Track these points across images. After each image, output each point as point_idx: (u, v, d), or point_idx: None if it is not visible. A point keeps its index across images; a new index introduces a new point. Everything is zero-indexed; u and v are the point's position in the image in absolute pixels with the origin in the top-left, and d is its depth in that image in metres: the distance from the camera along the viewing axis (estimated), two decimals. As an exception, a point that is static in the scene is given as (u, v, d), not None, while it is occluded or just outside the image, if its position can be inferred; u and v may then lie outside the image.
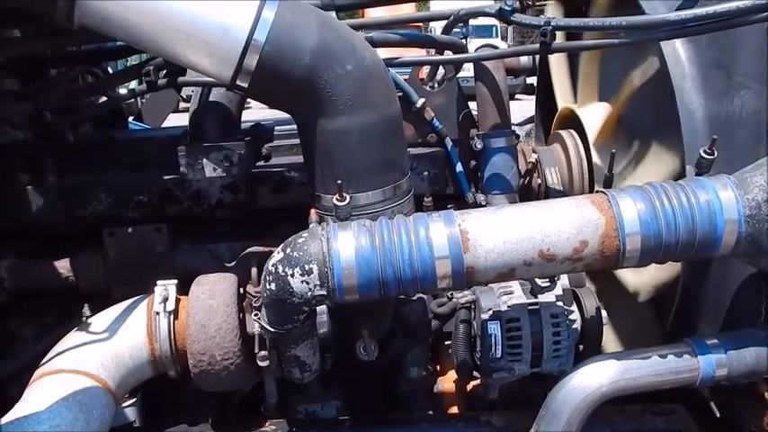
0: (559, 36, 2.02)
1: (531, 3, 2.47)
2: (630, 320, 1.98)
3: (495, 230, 1.35)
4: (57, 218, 1.85)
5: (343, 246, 1.34)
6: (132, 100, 3.75)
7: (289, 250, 1.36)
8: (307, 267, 1.33)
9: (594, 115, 2.13)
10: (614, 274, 1.97)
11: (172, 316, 1.58)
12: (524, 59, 2.44)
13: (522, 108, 4.58)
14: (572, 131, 2.22)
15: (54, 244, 1.87)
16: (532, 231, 1.35)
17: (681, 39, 1.58)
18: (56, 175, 1.86)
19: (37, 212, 1.84)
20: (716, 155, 1.42)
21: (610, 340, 1.99)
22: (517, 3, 1.72)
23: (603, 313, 1.66)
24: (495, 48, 2.08)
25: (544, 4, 2.64)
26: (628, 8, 1.72)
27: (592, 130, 2.12)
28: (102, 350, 1.53)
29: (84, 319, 1.62)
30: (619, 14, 1.60)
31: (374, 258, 1.33)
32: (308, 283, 1.34)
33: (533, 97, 2.79)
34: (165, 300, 1.59)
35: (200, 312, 1.57)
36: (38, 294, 1.87)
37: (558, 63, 2.45)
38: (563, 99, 2.43)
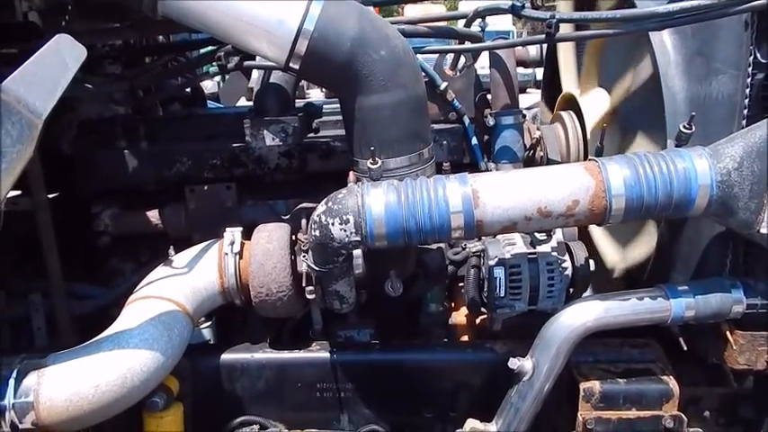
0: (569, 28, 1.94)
1: (540, 3, 2.38)
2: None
3: (502, 190, 1.32)
4: (147, 176, 1.86)
5: (375, 201, 1.32)
6: (213, 89, 3.76)
7: (330, 203, 1.35)
8: (345, 218, 1.32)
9: (594, 105, 2.04)
10: (597, 249, 1.91)
11: (237, 256, 1.59)
12: (533, 52, 2.36)
13: (534, 100, 4.42)
14: (571, 113, 2.14)
15: (146, 198, 1.89)
16: (533, 191, 1.31)
17: (668, 30, 1.49)
18: (147, 143, 1.87)
19: (132, 172, 1.85)
20: (693, 129, 1.35)
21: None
22: (528, 2, 1.65)
23: (591, 262, 1.61)
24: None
25: (553, 5, 2.53)
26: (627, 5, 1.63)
27: (590, 119, 2.03)
28: (182, 282, 1.55)
29: (170, 257, 1.64)
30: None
31: (400, 212, 1.31)
32: (345, 231, 1.32)
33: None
34: (233, 243, 1.60)
35: (260, 254, 1.57)
36: (134, 238, 1.89)
37: (565, 52, 2.34)
38: (568, 84, 2.33)
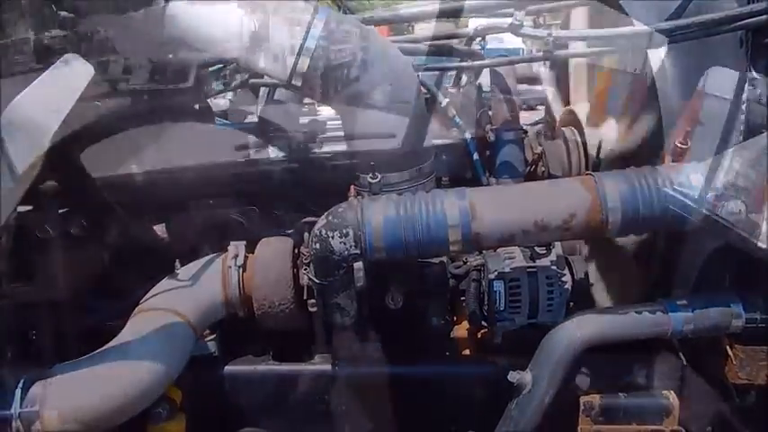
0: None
1: (543, 21, 2.38)
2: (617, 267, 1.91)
3: (499, 204, 1.34)
4: (153, 191, 1.89)
5: (374, 214, 1.34)
6: (226, 106, 3.80)
7: (330, 217, 1.37)
8: (344, 231, 1.34)
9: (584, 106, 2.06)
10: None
11: (241, 269, 1.61)
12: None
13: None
14: (572, 128, 2.16)
15: (151, 212, 1.92)
16: (529, 205, 1.33)
17: (665, 46, 1.51)
18: (155, 156, 1.90)
19: (138, 186, 1.88)
20: (689, 145, 1.36)
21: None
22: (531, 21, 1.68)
23: (590, 277, 1.61)
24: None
25: (556, 23, 2.55)
26: None
27: (583, 113, 2.04)
28: (186, 294, 1.57)
29: (175, 270, 1.66)
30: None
31: (398, 225, 1.33)
32: (345, 244, 1.34)
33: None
34: (236, 256, 1.62)
35: (263, 267, 1.59)
36: (139, 251, 1.92)
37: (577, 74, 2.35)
38: (556, 104, 2.35)
